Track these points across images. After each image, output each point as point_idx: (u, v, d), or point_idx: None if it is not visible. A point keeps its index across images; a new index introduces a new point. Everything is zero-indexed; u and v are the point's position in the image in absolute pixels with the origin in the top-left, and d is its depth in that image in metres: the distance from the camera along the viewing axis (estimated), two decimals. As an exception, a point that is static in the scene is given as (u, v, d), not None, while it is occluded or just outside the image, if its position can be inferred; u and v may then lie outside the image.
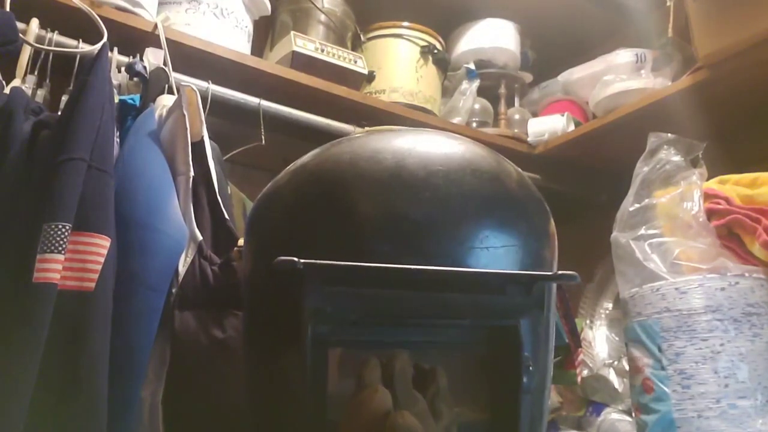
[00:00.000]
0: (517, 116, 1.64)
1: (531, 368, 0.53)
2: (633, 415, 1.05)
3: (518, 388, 0.52)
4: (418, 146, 0.55)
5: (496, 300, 0.53)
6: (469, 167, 0.55)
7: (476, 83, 1.52)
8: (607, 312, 1.44)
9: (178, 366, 0.75)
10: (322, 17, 1.40)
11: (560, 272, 0.55)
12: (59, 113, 0.80)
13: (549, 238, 0.59)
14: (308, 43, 1.27)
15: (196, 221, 0.82)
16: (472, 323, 0.54)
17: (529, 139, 1.52)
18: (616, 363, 1.30)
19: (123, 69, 0.97)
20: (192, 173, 0.84)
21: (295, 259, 0.47)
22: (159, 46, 1.02)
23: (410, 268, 0.48)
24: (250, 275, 0.62)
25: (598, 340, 1.39)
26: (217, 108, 1.08)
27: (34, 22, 0.94)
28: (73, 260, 0.68)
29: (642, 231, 1.02)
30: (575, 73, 1.54)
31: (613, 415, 1.24)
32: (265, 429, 0.56)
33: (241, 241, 0.81)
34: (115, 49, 0.98)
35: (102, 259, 0.69)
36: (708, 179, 1.03)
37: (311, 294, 0.48)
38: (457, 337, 0.57)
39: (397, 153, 0.54)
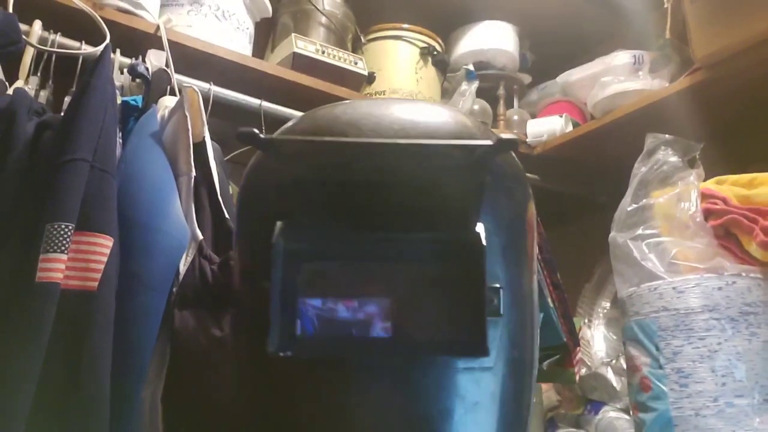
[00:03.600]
0: (515, 117, 1.65)
1: (498, 286, 0.47)
2: (631, 413, 1.05)
3: (482, 308, 0.45)
4: (386, 101, 0.60)
5: (447, 175, 0.50)
6: (433, 107, 0.59)
7: (475, 84, 1.52)
8: (605, 311, 1.44)
9: (177, 364, 0.75)
10: (323, 19, 1.41)
11: (503, 139, 0.50)
12: (62, 114, 0.80)
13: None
14: (309, 45, 1.28)
15: (197, 221, 0.82)
16: (433, 237, 0.49)
17: (527, 140, 1.53)
18: (614, 362, 1.31)
19: (125, 70, 0.98)
20: (194, 174, 0.84)
21: (255, 131, 0.49)
22: (161, 47, 1.02)
23: (369, 142, 0.50)
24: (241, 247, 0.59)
25: (597, 339, 1.39)
26: (218, 109, 1.09)
27: (37, 24, 0.94)
28: (76, 260, 0.68)
29: (640, 231, 1.02)
30: (573, 75, 1.55)
31: (611, 413, 1.25)
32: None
33: None
34: (118, 51, 0.98)
35: (105, 259, 0.70)
36: (705, 179, 1.03)
37: (276, 164, 0.50)
38: (418, 254, 0.51)
39: (363, 103, 0.59)
